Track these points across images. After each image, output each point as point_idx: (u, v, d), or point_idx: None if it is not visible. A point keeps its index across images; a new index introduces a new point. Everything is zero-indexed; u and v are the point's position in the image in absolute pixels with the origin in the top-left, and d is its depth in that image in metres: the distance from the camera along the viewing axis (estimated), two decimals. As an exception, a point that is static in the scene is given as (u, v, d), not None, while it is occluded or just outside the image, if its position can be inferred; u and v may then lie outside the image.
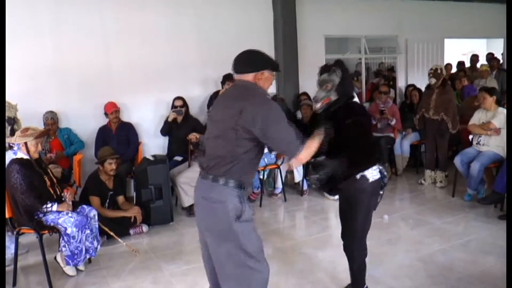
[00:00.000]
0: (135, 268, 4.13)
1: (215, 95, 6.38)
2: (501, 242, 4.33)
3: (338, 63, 2.96)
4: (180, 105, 6.04)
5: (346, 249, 3.11)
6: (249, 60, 2.50)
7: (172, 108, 6.11)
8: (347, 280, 3.43)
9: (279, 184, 6.13)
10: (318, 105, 2.90)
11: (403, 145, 7.04)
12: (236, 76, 2.51)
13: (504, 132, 5.40)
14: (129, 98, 6.22)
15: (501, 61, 9.69)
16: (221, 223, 2.37)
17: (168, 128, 6.10)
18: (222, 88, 6.35)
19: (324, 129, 2.53)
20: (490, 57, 9.52)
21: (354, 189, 2.89)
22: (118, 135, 5.86)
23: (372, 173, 2.90)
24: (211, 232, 2.42)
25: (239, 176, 2.38)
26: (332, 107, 2.86)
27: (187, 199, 5.43)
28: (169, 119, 6.04)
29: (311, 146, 2.38)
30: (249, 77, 2.46)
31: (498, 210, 5.20)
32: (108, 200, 4.94)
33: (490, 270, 3.79)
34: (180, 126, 6.04)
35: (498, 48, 10.60)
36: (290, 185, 6.45)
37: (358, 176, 2.87)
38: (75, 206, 4.12)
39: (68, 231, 3.85)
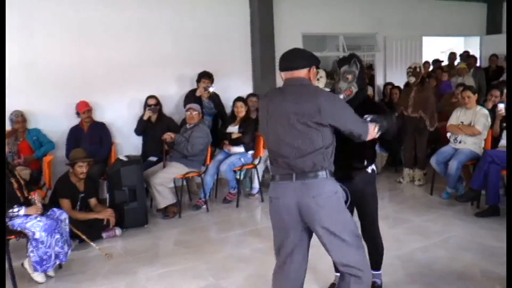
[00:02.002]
0: (109, 272, 4.07)
1: (191, 93, 6.34)
2: (479, 239, 4.43)
3: (355, 55, 3.10)
4: (154, 103, 6.01)
5: (369, 238, 3.25)
6: (302, 56, 2.64)
7: (145, 106, 6.07)
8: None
9: (256, 184, 6.14)
10: (341, 97, 2.99)
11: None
12: (287, 73, 2.62)
13: (483, 131, 5.55)
14: (102, 97, 6.14)
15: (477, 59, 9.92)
16: (336, 212, 2.56)
17: (143, 127, 6.05)
18: (198, 86, 6.32)
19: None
20: (466, 55, 9.72)
21: (367, 181, 3.11)
22: (90, 135, 5.78)
23: (374, 166, 3.20)
24: (325, 225, 2.54)
25: (330, 165, 2.58)
26: (352, 103, 2.86)
27: (162, 201, 5.40)
28: (144, 118, 5.99)
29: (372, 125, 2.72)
30: (302, 73, 2.60)
31: (475, 207, 5.30)
32: (79, 203, 4.87)
33: (469, 267, 3.87)
34: (154, 126, 6.01)
35: (475, 46, 10.83)
36: (267, 185, 6.42)
37: (369, 170, 3.11)
38: (45, 209, 4.04)
39: (37, 235, 3.77)
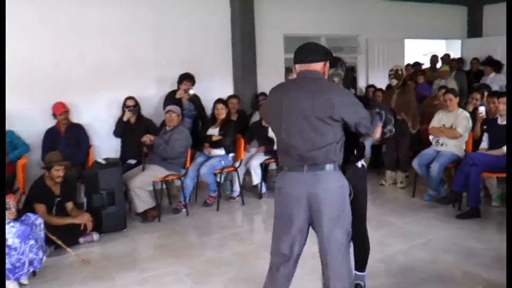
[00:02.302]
0: (86, 279, 4.01)
1: (171, 95, 6.30)
2: (459, 241, 4.50)
3: (340, 59, 3.16)
4: (133, 104, 5.98)
5: (358, 236, 3.21)
6: (318, 50, 2.72)
7: (123, 108, 6.03)
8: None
9: (237, 187, 6.13)
10: None
11: (364, 146, 7.17)
12: (302, 66, 2.70)
13: (464, 134, 5.64)
14: (80, 98, 6.07)
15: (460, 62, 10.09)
16: (342, 205, 2.67)
17: (122, 129, 6.00)
18: (179, 88, 6.29)
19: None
20: (446, 58, 9.86)
21: (360, 177, 3.15)
22: (67, 137, 5.71)
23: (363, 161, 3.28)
24: (331, 217, 2.64)
25: (340, 159, 2.69)
26: None
27: (141, 204, 5.36)
28: (124, 119, 5.95)
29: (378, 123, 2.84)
30: (318, 66, 2.68)
31: (456, 210, 5.38)
32: (55, 207, 4.79)
33: (450, 269, 3.92)
34: (133, 128, 5.97)
35: (457, 49, 11.00)
36: (248, 188, 6.46)
37: (359, 165, 3.16)
38: (19, 215, 3.96)
39: (9, 242, 3.69)
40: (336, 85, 2.89)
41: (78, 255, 4.36)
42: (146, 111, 6.36)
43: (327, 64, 2.74)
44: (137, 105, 6.02)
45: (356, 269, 3.38)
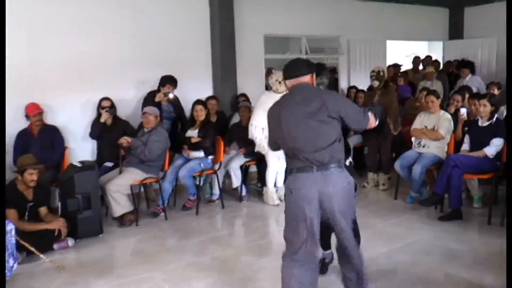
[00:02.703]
0: (61, 286, 3.95)
1: (150, 97, 6.25)
2: (441, 243, 4.56)
3: (323, 66, 3.52)
4: (109, 105, 5.93)
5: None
6: (305, 65, 3.09)
7: (98, 109, 5.97)
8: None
9: (217, 190, 6.12)
10: None
11: (345, 148, 7.21)
12: (293, 81, 3.05)
13: (446, 136, 5.72)
14: (54, 98, 5.98)
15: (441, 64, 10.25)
16: (351, 200, 3.01)
17: (99, 130, 5.94)
18: (159, 89, 6.25)
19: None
20: (428, 60, 10.00)
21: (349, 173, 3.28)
22: (41, 139, 5.62)
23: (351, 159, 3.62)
24: (343, 212, 2.94)
25: (343, 157, 3.00)
26: None
27: (118, 209, 5.31)
28: (102, 120, 5.89)
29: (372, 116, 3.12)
30: (306, 78, 3.04)
31: (439, 211, 5.45)
32: (27, 213, 4.71)
33: (432, 271, 3.96)
34: (109, 129, 5.92)
35: (438, 51, 11.17)
36: (228, 191, 6.45)
37: (347, 162, 3.36)
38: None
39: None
40: (325, 89, 3.28)
41: (52, 262, 4.30)
42: (123, 113, 6.32)
43: (314, 75, 3.09)
44: (113, 106, 5.97)
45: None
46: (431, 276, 3.87)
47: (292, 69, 3.08)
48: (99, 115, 6.01)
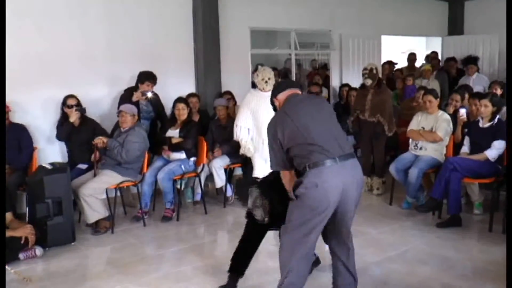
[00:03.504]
0: (26, 299, 3.90)
1: (127, 95, 6.18)
2: (438, 251, 4.57)
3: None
4: (75, 103, 5.81)
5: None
6: (295, 81, 3.92)
7: (62, 108, 5.86)
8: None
9: (199, 190, 6.13)
10: None
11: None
12: (289, 91, 3.45)
13: (445, 137, 5.74)
14: (22, 95, 5.86)
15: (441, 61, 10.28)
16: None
17: (68, 131, 5.83)
18: (137, 86, 6.19)
19: None
20: (433, 56, 10.00)
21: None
22: (7, 139, 5.51)
23: None
24: (358, 201, 3.28)
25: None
26: None
27: (92, 214, 5.25)
28: (71, 119, 5.78)
29: None
30: (299, 90, 3.51)
31: (436, 218, 5.47)
32: (-9, 219, 4.64)
33: (428, 281, 3.97)
34: (78, 130, 5.81)
35: (437, 47, 11.22)
36: (211, 195, 6.43)
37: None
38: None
39: None
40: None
41: (17, 272, 4.23)
42: (96, 113, 6.24)
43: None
44: (79, 105, 5.85)
45: None
46: (426, 286, 3.87)
47: (287, 83, 3.67)
48: (63, 114, 5.89)
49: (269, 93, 5.75)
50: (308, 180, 3.07)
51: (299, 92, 3.47)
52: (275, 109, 3.52)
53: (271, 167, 3.36)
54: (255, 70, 7.36)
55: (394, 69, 9.74)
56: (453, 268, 4.19)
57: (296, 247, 3.17)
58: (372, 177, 6.66)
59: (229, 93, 7.05)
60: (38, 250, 4.75)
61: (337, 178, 3.07)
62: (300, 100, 3.34)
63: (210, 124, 6.59)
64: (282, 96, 3.41)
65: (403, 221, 5.50)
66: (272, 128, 3.26)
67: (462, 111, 5.87)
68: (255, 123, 5.68)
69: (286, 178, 3.31)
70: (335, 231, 3.31)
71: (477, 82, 8.26)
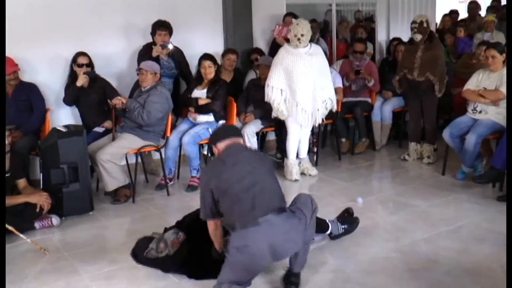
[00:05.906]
0: (43, 271, 4.02)
1: (145, 51, 6.15)
2: (498, 228, 4.46)
3: None
4: (86, 63, 5.81)
5: None
6: (238, 130, 4.05)
7: (72, 65, 5.85)
8: None
9: None
10: None
11: (383, 112, 7.14)
12: (232, 139, 3.66)
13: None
14: (32, 52, 5.91)
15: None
16: None
17: (75, 96, 5.83)
18: (153, 41, 6.17)
19: None
20: (496, 4, 9.62)
21: None
22: (16, 99, 5.60)
23: None
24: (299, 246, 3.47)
25: None
26: None
27: (111, 182, 5.35)
28: (78, 84, 5.72)
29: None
30: (240, 139, 3.77)
31: (497, 190, 5.37)
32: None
33: (483, 261, 3.92)
34: (87, 92, 5.81)
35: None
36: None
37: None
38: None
39: None
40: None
41: (34, 242, 4.35)
42: (112, 71, 6.25)
43: None
44: (91, 65, 5.85)
45: None
46: (483, 267, 3.82)
47: (224, 132, 3.80)
48: (72, 73, 5.88)
49: (306, 50, 5.74)
50: (233, 242, 3.29)
51: (241, 141, 3.71)
52: (212, 155, 3.66)
53: (201, 215, 3.59)
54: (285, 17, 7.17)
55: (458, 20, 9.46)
56: (515, 247, 4.14)
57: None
58: (422, 144, 6.58)
59: (259, 50, 6.98)
60: (55, 219, 4.89)
61: (263, 241, 3.22)
62: (239, 151, 3.61)
63: (248, 83, 6.58)
64: (221, 145, 3.62)
65: (457, 193, 5.43)
66: (206, 176, 3.58)
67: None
68: (289, 83, 5.66)
69: (211, 228, 3.59)
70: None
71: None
